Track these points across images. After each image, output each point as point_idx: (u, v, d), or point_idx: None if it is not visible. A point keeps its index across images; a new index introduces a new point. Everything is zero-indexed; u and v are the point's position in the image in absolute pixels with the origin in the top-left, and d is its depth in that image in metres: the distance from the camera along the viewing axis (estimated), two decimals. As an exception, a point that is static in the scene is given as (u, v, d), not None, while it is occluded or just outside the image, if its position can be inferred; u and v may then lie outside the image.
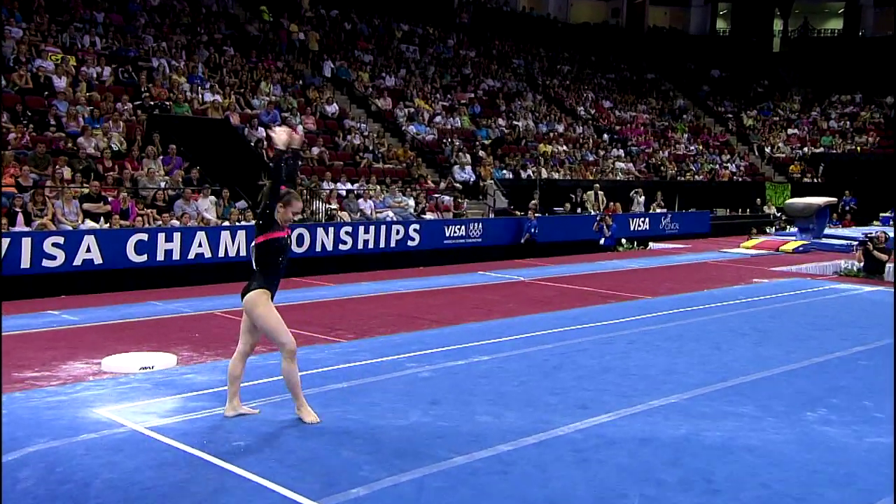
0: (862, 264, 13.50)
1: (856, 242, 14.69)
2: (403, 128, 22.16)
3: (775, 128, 34.36)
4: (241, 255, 13.71)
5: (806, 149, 32.25)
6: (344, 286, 11.75)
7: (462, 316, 9.32)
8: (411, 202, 18.12)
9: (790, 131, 33.95)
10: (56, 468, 4.36)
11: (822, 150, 32.24)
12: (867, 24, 40.44)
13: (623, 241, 18.95)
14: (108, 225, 12.85)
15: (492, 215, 19.86)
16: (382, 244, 16.25)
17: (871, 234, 14.30)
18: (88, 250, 11.91)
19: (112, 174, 14.08)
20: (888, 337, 7.99)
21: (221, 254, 13.63)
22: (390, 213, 17.40)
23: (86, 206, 12.94)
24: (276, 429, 5.02)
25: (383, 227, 16.29)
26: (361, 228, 15.96)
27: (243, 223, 14.39)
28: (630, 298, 10.68)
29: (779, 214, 25.61)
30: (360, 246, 15.85)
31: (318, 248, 15.04)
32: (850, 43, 39.48)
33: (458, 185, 20.12)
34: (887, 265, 13.45)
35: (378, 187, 18.18)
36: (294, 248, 14.65)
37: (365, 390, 5.94)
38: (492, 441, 4.82)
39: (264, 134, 17.72)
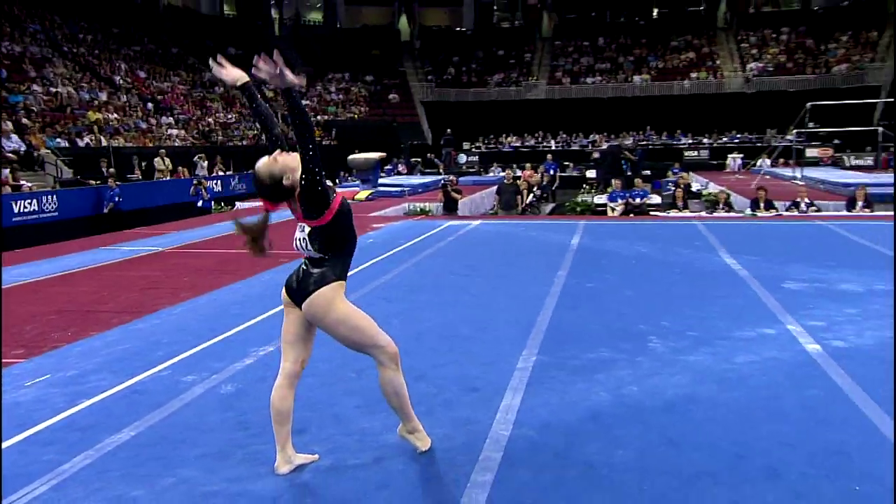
0: (443, 203, 13.59)
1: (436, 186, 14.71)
2: (-88, 91, 15.43)
3: (291, 99, 33.76)
4: None
5: (319, 117, 32.49)
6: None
7: (146, 302, 6.34)
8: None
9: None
10: None
11: (330, 117, 32.84)
12: (342, 17, 42.25)
13: (213, 202, 16.17)
14: None
15: (58, 186, 15.16)
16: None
17: (447, 178, 14.52)
18: None
19: None
20: (570, 255, 7.74)
21: None
22: (-71, 192, 11.86)
23: None
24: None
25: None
26: None
27: None
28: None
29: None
30: None
31: None
32: (332, 32, 40.97)
33: (11, 155, 14.78)
34: (459, 202, 13.79)
35: None
36: None
37: (169, 442, 3.23)
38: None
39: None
